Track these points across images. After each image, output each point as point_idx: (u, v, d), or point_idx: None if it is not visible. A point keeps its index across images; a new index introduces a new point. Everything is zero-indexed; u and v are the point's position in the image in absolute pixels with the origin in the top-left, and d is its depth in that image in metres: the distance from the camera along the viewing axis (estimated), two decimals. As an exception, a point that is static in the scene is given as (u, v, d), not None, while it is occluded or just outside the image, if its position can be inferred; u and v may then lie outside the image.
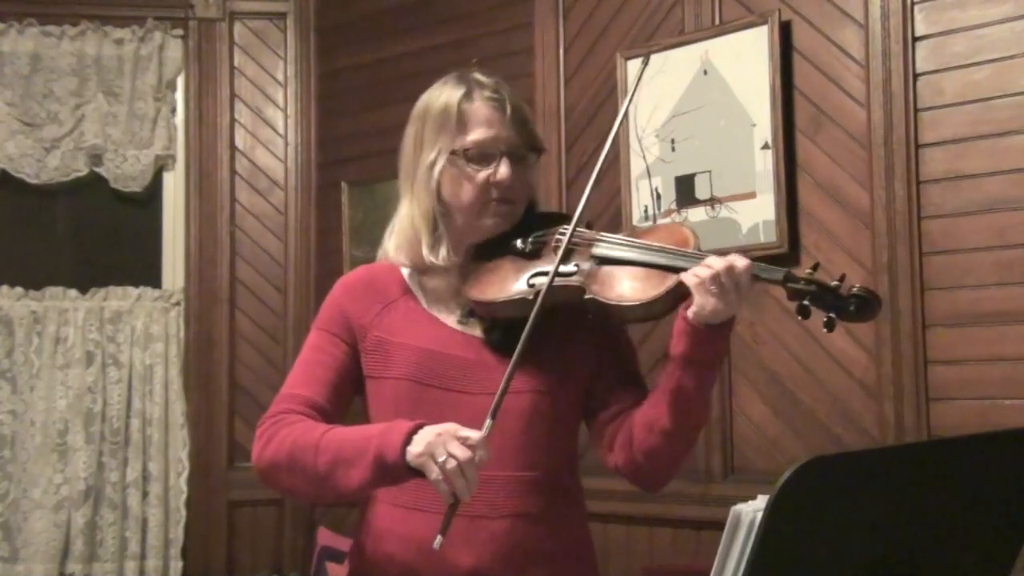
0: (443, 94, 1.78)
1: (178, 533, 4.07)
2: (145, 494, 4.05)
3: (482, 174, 1.74)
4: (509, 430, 1.68)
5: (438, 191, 1.77)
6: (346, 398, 1.79)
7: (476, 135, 1.75)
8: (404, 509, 1.70)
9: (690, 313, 1.60)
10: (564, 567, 1.73)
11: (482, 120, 1.75)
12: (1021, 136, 2.69)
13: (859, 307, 1.56)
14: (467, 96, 1.76)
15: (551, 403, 1.73)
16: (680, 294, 1.63)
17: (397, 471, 1.55)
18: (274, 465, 1.68)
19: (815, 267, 1.60)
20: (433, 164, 1.76)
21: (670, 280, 1.63)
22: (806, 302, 1.57)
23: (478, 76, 1.80)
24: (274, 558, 4.17)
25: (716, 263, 1.57)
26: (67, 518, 3.99)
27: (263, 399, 4.00)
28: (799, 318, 1.58)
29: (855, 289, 1.56)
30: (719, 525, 1.27)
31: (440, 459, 1.49)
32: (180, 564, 4.06)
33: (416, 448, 1.52)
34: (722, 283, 1.56)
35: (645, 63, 1.83)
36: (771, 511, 1.13)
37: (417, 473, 1.53)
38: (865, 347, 2.89)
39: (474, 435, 1.51)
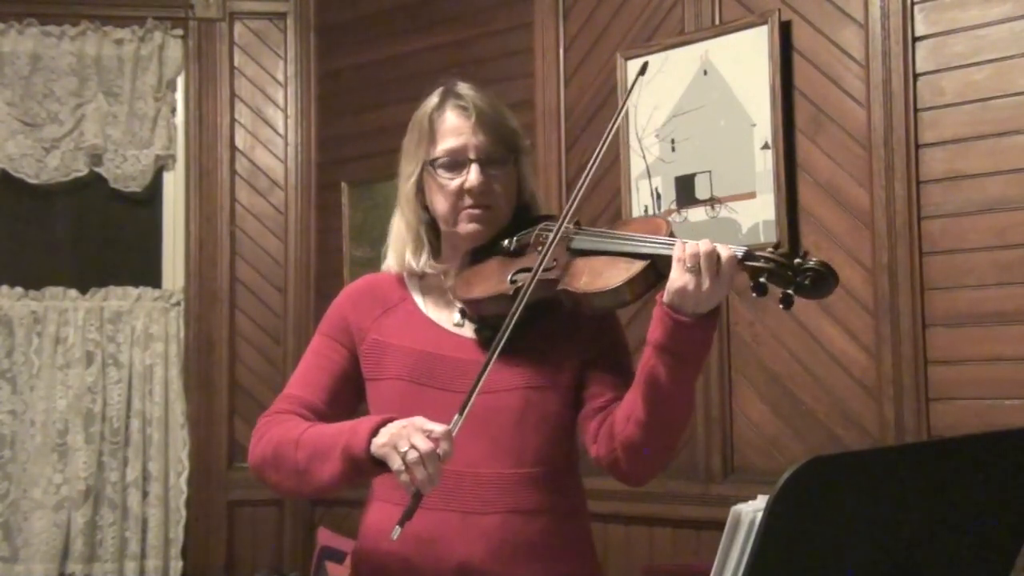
0: (425, 106, 1.83)
1: (178, 533, 4.07)
2: (145, 494, 4.05)
3: (454, 182, 1.78)
4: (501, 427, 1.71)
5: (422, 202, 1.82)
6: (344, 402, 1.84)
7: (445, 144, 1.79)
8: (399, 507, 1.71)
9: (665, 295, 1.59)
10: (559, 563, 1.74)
11: (449, 129, 1.79)
12: (1021, 136, 2.69)
13: (814, 281, 1.50)
14: (439, 107, 1.81)
15: (542, 399, 1.74)
16: (649, 279, 1.63)
17: (363, 463, 1.59)
18: (263, 461, 1.75)
19: (776, 246, 1.58)
20: (411, 175, 1.82)
21: (636, 265, 1.63)
22: (763, 279, 1.53)
23: (458, 87, 1.83)
24: (274, 558, 4.17)
25: (703, 244, 1.55)
26: (67, 518, 3.99)
27: (263, 399, 4.00)
28: (754, 296, 1.54)
29: (811, 262, 1.51)
30: (719, 525, 1.27)
31: (402, 450, 1.52)
32: (180, 564, 4.06)
33: (380, 439, 1.56)
34: (699, 264, 1.54)
35: (642, 72, 1.83)
36: (771, 511, 1.13)
37: (383, 466, 1.56)
38: (865, 347, 2.89)
39: (438, 428, 1.53)
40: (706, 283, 1.54)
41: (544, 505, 1.72)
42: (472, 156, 1.77)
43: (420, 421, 1.55)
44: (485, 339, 1.75)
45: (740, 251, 1.56)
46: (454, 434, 1.54)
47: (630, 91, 1.85)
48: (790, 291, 1.51)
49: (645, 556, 3.24)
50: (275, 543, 4.18)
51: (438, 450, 1.51)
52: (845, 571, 1.26)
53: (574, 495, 1.81)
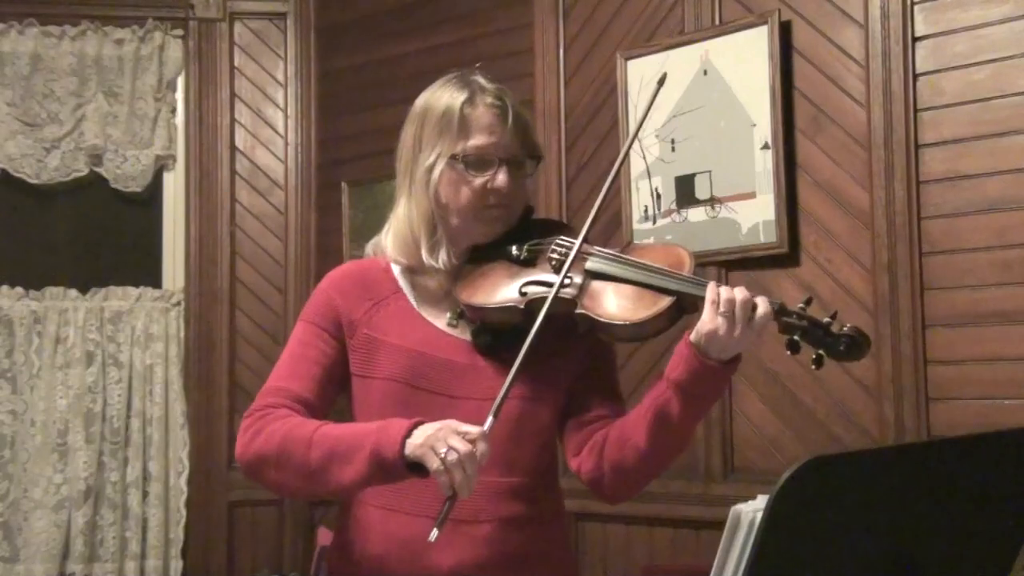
0: (444, 96, 1.76)
1: (178, 533, 4.07)
2: (145, 494, 4.06)
3: (480, 180, 1.72)
4: (495, 436, 1.67)
5: (435, 193, 1.75)
6: (332, 394, 1.77)
7: (477, 141, 1.73)
8: (385, 511, 1.70)
9: (693, 335, 1.58)
10: (544, 569, 1.74)
11: (483, 127, 1.73)
12: (1021, 136, 2.69)
13: (848, 347, 1.54)
14: (470, 101, 1.74)
15: (536, 410, 1.73)
16: (673, 316, 1.62)
17: (395, 467, 1.53)
18: (262, 459, 1.66)
19: (808, 301, 1.59)
20: (432, 167, 1.74)
21: (663, 302, 1.61)
22: (796, 337, 1.56)
23: (481, 81, 1.78)
24: (274, 558, 4.17)
25: (740, 293, 1.56)
26: (67, 518, 3.99)
27: (263, 399, 4.00)
28: (788, 353, 1.56)
29: (846, 328, 1.55)
30: (719, 525, 1.27)
31: (441, 452, 1.47)
32: (180, 564, 4.06)
33: (416, 440, 1.51)
34: (735, 312, 1.54)
35: (660, 83, 1.80)
36: (771, 511, 1.13)
37: (414, 470, 1.52)
38: (865, 347, 2.88)
39: (474, 430, 1.50)
40: (738, 330, 1.55)
41: (530, 514, 1.72)
42: (502, 156, 1.73)
43: (454, 424, 1.51)
44: (483, 344, 1.73)
45: (776, 304, 1.57)
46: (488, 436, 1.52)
47: (651, 102, 1.80)
48: (822, 352, 1.55)
49: (645, 556, 3.24)
50: (275, 543, 4.18)
51: (476, 452, 1.48)
52: (845, 571, 1.26)
53: (555, 504, 1.81)
